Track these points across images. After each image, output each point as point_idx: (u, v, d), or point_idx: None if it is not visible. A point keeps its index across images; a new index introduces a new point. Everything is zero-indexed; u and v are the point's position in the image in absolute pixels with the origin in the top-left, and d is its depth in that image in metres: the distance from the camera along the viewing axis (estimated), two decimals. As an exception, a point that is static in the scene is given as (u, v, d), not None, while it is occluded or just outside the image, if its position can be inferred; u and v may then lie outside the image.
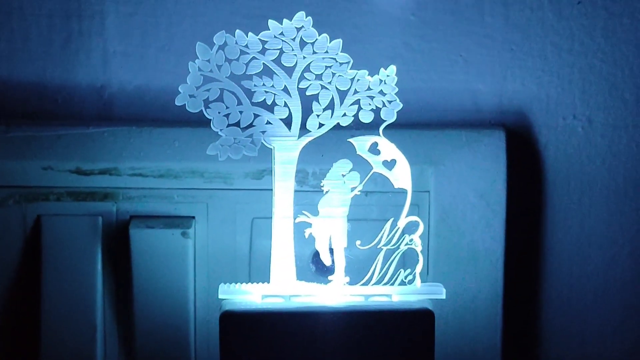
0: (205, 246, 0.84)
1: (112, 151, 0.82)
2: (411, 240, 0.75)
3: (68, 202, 0.82)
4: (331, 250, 0.75)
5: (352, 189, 0.75)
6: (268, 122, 0.73)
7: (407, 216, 0.75)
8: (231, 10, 0.84)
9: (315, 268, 0.82)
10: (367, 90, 0.74)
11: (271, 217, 0.74)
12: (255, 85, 0.73)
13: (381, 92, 0.74)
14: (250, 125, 0.73)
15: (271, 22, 0.73)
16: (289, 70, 0.73)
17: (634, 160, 0.87)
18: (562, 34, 0.85)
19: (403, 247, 0.75)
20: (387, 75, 0.74)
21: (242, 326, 0.73)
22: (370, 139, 0.74)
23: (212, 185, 0.83)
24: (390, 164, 0.75)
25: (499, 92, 0.86)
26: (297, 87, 0.73)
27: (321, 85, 0.73)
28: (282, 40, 0.73)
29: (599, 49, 0.86)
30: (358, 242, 0.75)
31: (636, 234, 0.88)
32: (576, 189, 0.87)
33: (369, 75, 0.74)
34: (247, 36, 0.73)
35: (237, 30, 0.72)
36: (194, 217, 0.83)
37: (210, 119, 0.73)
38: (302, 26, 0.73)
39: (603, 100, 0.86)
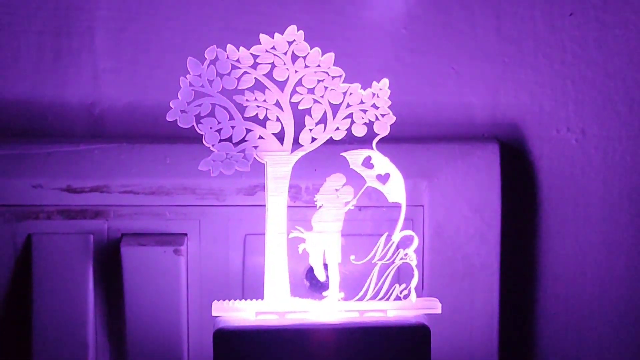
0: (198, 263, 0.83)
1: (103, 168, 0.82)
2: (406, 254, 0.75)
3: (59, 220, 0.82)
4: (325, 266, 0.75)
5: (346, 204, 0.74)
6: (260, 137, 0.73)
7: (401, 230, 0.75)
8: (223, 25, 0.84)
9: (310, 284, 0.81)
10: (360, 103, 0.74)
11: (264, 234, 0.74)
12: (247, 100, 0.73)
13: (374, 106, 0.74)
14: (243, 140, 0.73)
15: (262, 36, 0.73)
16: (281, 85, 0.73)
17: (628, 172, 0.87)
18: (554, 46, 0.86)
19: (398, 262, 0.75)
20: (380, 89, 0.74)
21: (235, 344, 0.72)
22: (363, 153, 0.74)
23: (204, 202, 0.83)
24: (384, 178, 0.75)
25: (492, 105, 0.86)
26: (290, 101, 0.73)
27: (313, 99, 0.73)
28: (274, 55, 0.73)
29: (592, 60, 0.86)
30: (352, 257, 0.75)
31: (632, 247, 0.88)
32: (571, 201, 0.87)
33: (361, 88, 0.74)
34: (239, 50, 0.72)
35: (229, 45, 0.72)
36: (186, 234, 0.83)
37: (202, 134, 0.73)
38: (294, 40, 0.73)
39: (596, 111, 0.86)
